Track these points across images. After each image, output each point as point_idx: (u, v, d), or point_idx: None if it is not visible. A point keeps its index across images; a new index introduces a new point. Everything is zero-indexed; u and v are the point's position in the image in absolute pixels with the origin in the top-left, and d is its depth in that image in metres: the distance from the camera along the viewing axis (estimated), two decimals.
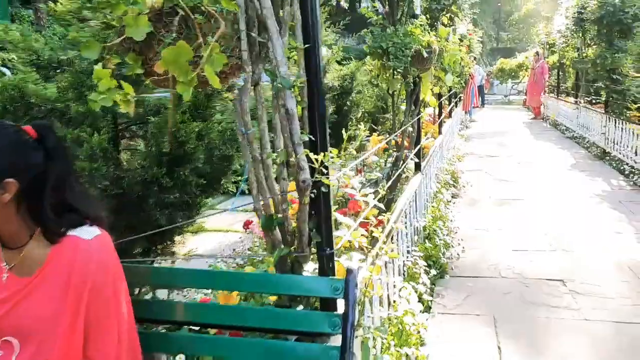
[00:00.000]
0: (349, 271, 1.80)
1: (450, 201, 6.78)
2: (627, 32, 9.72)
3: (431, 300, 3.98)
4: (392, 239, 3.32)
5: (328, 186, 1.89)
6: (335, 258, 1.99)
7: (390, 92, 4.66)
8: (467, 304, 4.01)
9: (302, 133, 1.82)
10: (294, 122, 1.80)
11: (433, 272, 4.18)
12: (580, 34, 12.25)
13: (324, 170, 1.82)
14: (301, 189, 1.77)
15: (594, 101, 12.20)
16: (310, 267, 1.93)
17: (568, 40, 13.46)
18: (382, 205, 2.94)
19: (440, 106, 8.02)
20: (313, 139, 1.84)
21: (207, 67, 1.58)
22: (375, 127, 6.32)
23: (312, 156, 1.77)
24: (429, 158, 6.05)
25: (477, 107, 18.68)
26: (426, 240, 4.83)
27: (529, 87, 17.58)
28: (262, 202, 1.93)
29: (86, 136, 2.37)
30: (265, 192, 1.92)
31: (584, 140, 11.54)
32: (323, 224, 1.88)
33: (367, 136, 6.41)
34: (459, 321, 3.75)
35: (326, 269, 1.89)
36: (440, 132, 7.99)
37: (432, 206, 5.91)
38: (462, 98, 15.79)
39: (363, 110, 5.95)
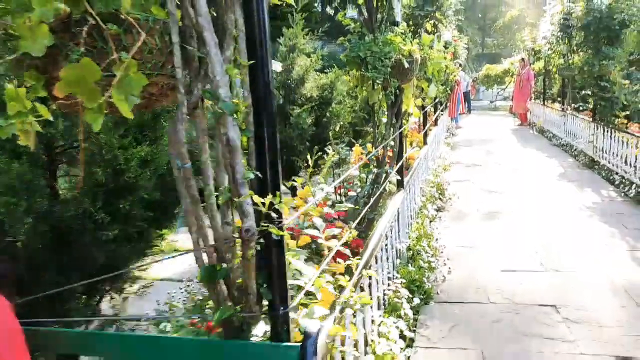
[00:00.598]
0: (306, 335, 1.47)
1: (436, 216, 6.49)
2: (614, 38, 9.51)
3: (414, 332, 3.66)
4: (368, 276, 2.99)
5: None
6: (293, 314, 1.66)
7: (370, 104, 4.35)
8: (453, 335, 3.69)
9: (247, 169, 1.49)
10: (236, 156, 1.47)
11: (417, 300, 3.86)
12: (566, 41, 12.06)
13: (274, 214, 1.48)
14: (244, 239, 1.43)
15: (581, 108, 12.01)
16: (262, 330, 1.59)
17: (553, 46, 13.28)
18: (348, 251, 2.60)
19: (425, 115, 7.74)
20: (261, 176, 1.51)
21: (115, 92, 1.24)
22: (355, 141, 5.99)
23: (258, 199, 1.44)
24: (413, 172, 5.75)
25: (464, 113, 18.48)
26: (409, 263, 4.51)
27: (515, 93, 17.42)
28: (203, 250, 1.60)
29: (2, 165, 2.02)
30: (207, 238, 1.59)
31: (571, 149, 11.33)
32: (276, 278, 1.55)
33: (349, 148, 6.10)
34: (445, 357, 3.42)
35: (280, 332, 1.55)
36: (425, 142, 7.70)
37: (417, 222, 5.61)
38: (448, 105, 15.58)
39: (342, 123, 5.64)
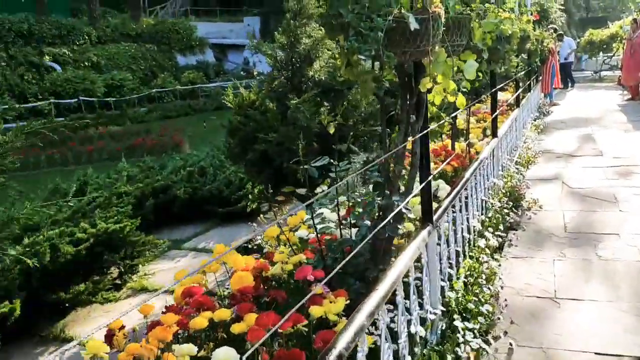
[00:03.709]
0: None
1: (504, 239, 4.67)
2: None
3: None
4: None
5: None
6: None
7: (364, 95, 2.66)
8: None
9: None
10: None
11: None
12: None
13: None
14: None
15: None
16: None
17: None
18: None
19: (494, 98, 5.83)
20: None
21: None
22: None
23: None
24: (464, 184, 3.98)
25: (559, 88, 15.80)
26: (443, 343, 2.82)
27: (625, 61, 14.51)
28: None
29: None
30: None
31: None
32: None
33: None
34: None
35: None
36: (494, 134, 5.81)
37: (468, 261, 3.86)
38: (540, 78, 13.18)
39: (358, 117, 3.92)
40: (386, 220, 2.65)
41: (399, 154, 2.81)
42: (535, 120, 10.94)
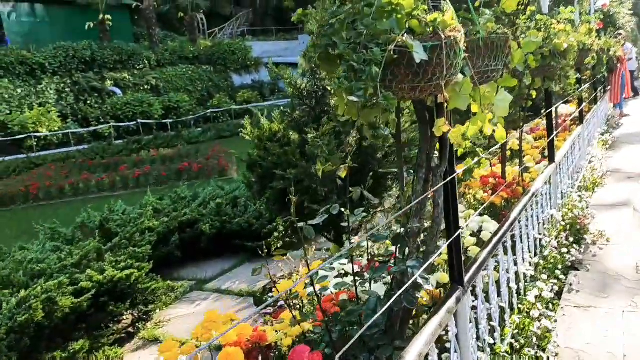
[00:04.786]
0: None
1: (564, 283, 4.04)
2: None
3: None
4: None
5: None
6: None
7: (371, 137, 2.20)
8: None
9: None
10: None
11: None
12: None
13: None
14: None
15: None
16: None
17: None
18: None
19: (550, 119, 5.18)
20: None
21: None
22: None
23: None
24: (512, 224, 3.43)
25: (629, 97, 14.61)
26: None
27: None
28: None
29: None
30: None
31: None
32: None
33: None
34: None
35: None
36: (551, 159, 5.15)
37: (514, 319, 3.29)
38: (608, 88, 12.17)
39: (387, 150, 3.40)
40: (402, 290, 2.17)
41: (418, 205, 2.33)
42: (603, 134, 10.01)
